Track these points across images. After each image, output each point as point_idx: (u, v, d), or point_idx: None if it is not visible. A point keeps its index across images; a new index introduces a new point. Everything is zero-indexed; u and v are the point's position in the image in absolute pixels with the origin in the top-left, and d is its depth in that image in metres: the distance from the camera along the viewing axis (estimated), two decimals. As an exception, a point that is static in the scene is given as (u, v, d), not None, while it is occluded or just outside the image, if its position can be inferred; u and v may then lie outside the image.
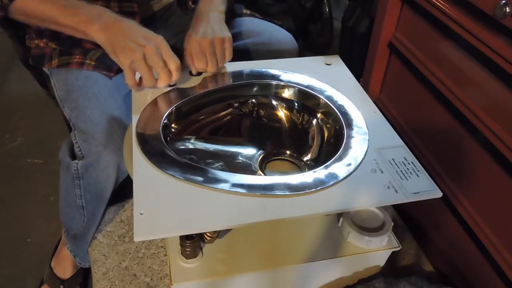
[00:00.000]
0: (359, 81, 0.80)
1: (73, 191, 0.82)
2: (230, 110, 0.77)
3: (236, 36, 0.92)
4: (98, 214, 0.87)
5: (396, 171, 0.60)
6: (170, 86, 0.72)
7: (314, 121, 0.75)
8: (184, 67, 0.74)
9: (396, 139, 0.67)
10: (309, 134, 0.75)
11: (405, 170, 0.61)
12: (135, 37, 0.67)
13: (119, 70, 0.82)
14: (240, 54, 0.92)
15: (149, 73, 0.67)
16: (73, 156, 0.81)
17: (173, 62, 0.68)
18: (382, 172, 0.60)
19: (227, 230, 0.66)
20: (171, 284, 0.59)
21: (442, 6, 0.71)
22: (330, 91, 0.75)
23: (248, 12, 1.01)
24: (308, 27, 1.84)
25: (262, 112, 0.78)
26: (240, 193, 0.55)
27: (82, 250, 0.90)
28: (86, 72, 0.81)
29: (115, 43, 0.67)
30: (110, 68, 0.82)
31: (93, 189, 0.81)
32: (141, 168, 0.57)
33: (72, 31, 0.72)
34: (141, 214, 0.51)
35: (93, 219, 0.86)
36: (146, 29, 0.70)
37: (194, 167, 0.58)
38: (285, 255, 0.64)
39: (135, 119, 0.65)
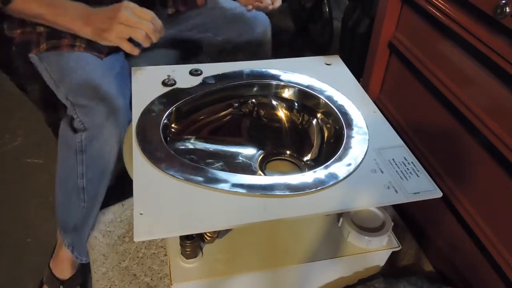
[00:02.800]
0: (359, 81, 0.80)
1: (74, 172, 0.84)
2: (230, 110, 0.77)
3: (216, 18, 1.01)
4: (99, 197, 0.88)
5: (396, 171, 0.60)
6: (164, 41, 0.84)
7: (314, 121, 0.75)
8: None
9: (396, 139, 0.67)
10: (309, 134, 0.75)
11: (405, 170, 0.61)
12: (107, 17, 0.76)
13: (109, 52, 0.88)
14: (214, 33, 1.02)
15: (136, 32, 0.75)
16: (74, 130, 0.84)
17: (146, 13, 0.76)
18: (382, 172, 0.60)
19: (227, 230, 0.66)
20: (171, 284, 0.59)
21: (442, 6, 0.71)
22: (330, 91, 0.75)
23: None
24: (308, 27, 1.84)
25: (262, 112, 0.78)
26: (240, 193, 0.55)
27: (81, 243, 0.91)
28: (77, 53, 0.85)
29: (97, 31, 0.77)
30: (100, 50, 0.86)
31: (96, 163, 0.84)
32: (141, 168, 0.57)
33: (61, 28, 0.80)
34: (141, 214, 0.51)
35: (93, 204, 0.88)
36: (109, 6, 0.78)
37: (194, 167, 0.58)
38: (285, 255, 0.64)
39: (135, 119, 0.65)
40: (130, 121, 0.80)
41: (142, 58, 0.94)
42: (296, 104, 0.77)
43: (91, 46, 0.85)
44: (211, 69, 0.78)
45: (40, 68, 0.87)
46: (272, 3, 0.99)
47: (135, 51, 0.79)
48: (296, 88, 0.76)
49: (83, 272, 0.99)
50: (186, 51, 1.09)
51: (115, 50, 0.89)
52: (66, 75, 0.84)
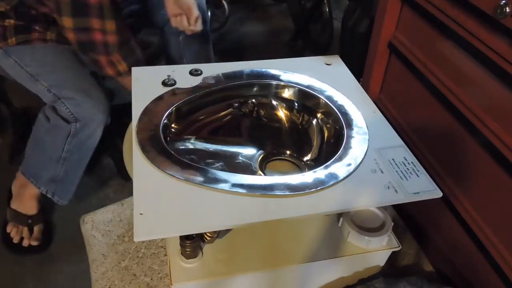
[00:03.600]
0: (359, 81, 0.80)
1: (57, 148, 0.93)
2: (230, 110, 0.77)
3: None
4: (83, 162, 0.99)
5: (396, 171, 0.60)
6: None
7: (314, 121, 0.75)
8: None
9: (396, 139, 0.67)
10: (309, 134, 0.75)
11: (405, 170, 0.61)
12: None
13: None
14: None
15: None
16: (65, 121, 0.91)
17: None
18: (382, 172, 0.60)
19: (227, 230, 0.66)
20: (171, 284, 0.59)
21: (442, 6, 0.71)
22: (330, 91, 0.75)
23: None
24: (308, 27, 1.84)
25: (262, 112, 0.78)
26: (240, 193, 0.55)
27: (64, 190, 1.00)
28: (52, 46, 0.90)
29: None
30: (69, 41, 0.90)
31: (83, 144, 0.94)
32: (141, 168, 0.57)
33: None
34: (141, 214, 0.51)
35: (77, 166, 0.98)
36: None
37: (194, 167, 0.58)
38: (285, 255, 0.64)
39: (135, 119, 0.65)
40: (113, 105, 0.93)
41: None
42: (296, 104, 0.77)
43: (62, 37, 0.89)
44: (211, 69, 0.78)
45: (5, 61, 0.89)
46: (193, 25, 1.00)
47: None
48: (296, 88, 0.76)
49: (46, 208, 1.07)
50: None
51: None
52: (45, 68, 0.89)
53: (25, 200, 1.04)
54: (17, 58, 0.89)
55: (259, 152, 0.74)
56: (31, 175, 0.99)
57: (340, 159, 0.61)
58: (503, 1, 0.57)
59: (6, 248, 1.03)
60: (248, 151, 0.74)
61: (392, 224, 0.66)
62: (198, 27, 0.98)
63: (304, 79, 0.77)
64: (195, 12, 0.95)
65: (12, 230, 1.03)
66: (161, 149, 0.60)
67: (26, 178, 1.01)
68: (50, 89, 0.89)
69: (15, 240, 1.02)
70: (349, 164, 0.60)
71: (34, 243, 1.03)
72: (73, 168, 0.98)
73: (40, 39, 0.88)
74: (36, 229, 1.04)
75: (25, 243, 1.02)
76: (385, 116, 0.71)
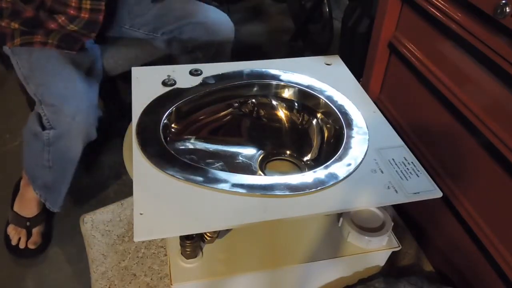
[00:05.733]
0: (359, 81, 0.80)
1: (41, 155, 0.90)
2: (230, 110, 0.77)
3: (175, 18, 1.05)
4: (68, 174, 0.95)
5: (396, 171, 0.60)
6: None
7: (314, 121, 0.75)
8: None
9: (396, 139, 0.67)
10: (309, 134, 0.75)
11: (405, 170, 0.61)
12: None
13: (80, 49, 0.92)
14: (179, 33, 1.05)
15: None
16: (43, 127, 0.89)
17: None
18: (382, 172, 0.60)
19: (227, 230, 0.66)
20: (171, 284, 0.59)
21: (442, 6, 0.71)
22: (330, 91, 0.75)
23: None
24: (308, 27, 1.84)
25: (262, 112, 0.78)
26: (240, 193, 0.55)
27: (54, 199, 0.98)
28: (48, 51, 0.89)
29: None
30: (72, 47, 0.90)
31: (63, 155, 0.90)
32: (141, 168, 0.57)
33: None
34: (141, 214, 0.51)
35: (62, 177, 0.95)
36: None
37: (194, 167, 0.58)
38: (285, 255, 0.64)
39: (135, 119, 0.65)
40: (99, 117, 0.89)
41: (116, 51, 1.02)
42: (296, 104, 0.77)
43: (63, 43, 0.89)
44: (211, 69, 0.78)
45: (12, 60, 0.91)
46: None
47: None
48: (296, 88, 0.76)
49: (46, 209, 1.05)
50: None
51: (86, 45, 0.95)
52: (35, 72, 0.88)
53: (25, 202, 1.05)
54: (18, 58, 0.90)
55: (259, 152, 0.74)
56: (30, 176, 0.99)
57: (340, 159, 0.61)
58: (503, 1, 0.57)
59: (6, 248, 1.04)
60: (248, 151, 0.74)
61: (392, 224, 0.66)
62: None
63: (304, 79, 0.77)
64: None
65: (11, 232, 1.04)
66: (161, 149, 0.60)
67: (26, 176, 1.01)
68: (36, 93, 0.88)
69: (13, 242, 1.03)
70: (349, 164, 0.60)
71: (31, 246, 1.03)
72: (58, 179, 0.96)
73: (41, 43, 0.88)
74: (34, 231, 1.04)
75: (21, 245, 1.02)
76: (385, 116, 0.71)
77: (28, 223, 1.04)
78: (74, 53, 0.91)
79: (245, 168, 0.70)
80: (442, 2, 0.71)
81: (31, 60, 0.89)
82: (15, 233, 1.03)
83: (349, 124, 0.68)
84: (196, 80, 0.75)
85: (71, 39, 0.90)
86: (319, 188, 0.56)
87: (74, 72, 0.90)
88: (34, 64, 0.88)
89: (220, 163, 0.69)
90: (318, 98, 0.74)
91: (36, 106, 0.88)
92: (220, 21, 1.08)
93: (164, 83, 0.73)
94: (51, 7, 0.92)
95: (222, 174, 0.57)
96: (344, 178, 0.58)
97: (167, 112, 0.67)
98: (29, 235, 1.04)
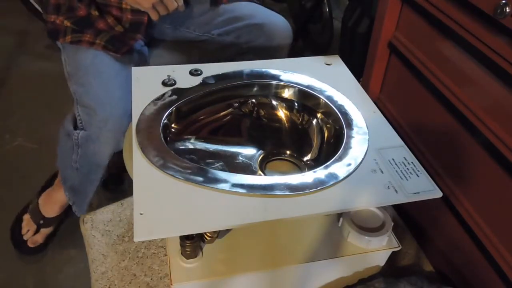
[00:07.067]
0: (359, 81, 0.80)
1: (70, 155, 0.90)
2: (230, 110, 0.77)
3: (232, 20, 1.02)
4: (94, 178, 0.94)
5: (396, 171, 0.60)
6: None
7: (314, 121, 0.75)
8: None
9: (396, 139, 0.67)
10: (309, 134, 0.75)
11: (405, 170, 0.61)
12: None
13: (126, 52, 0.91)
14: (236, 36, 1.03)
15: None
16: (76, 127, 0.89)
17: None
18: (382, 172, 0.60)
19: (227, 230, 0.66)
20: (171, 284, 0.59)
21: (442, 6, 0.71)
22: (330, 91, 0.75)
23: None
24: (308, 27, 1.84)
25: (262, 112, 0.78)
26: (240, 193, 0.55)
27: (81, 202, 0.98)
28: (94, 51, 0.88)
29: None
30: (118, 49, 0.89)
31: (90, 159, 0.89)
32: (141, 168, 0.57)
33: None
34: (141, 214, 0.51)
35: (88, 181, 0.94)
36: None
37: (194, 167, 0.58)
38: (285, 255, 0.64)
39: (135, 119, 0.65)
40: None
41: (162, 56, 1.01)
42: (296, 104, 0.77)
43: (109, 45, 0.88)
44: (211, 69, 0.78)
45: (62, 56, 0.93)
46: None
47: (156, 17, 0.85)
48: (296, 88, 0.76)
49: (62, 214, 1.06)
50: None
51: (135, 47, 0.94)
52: (78, 71, 0.88)
53: (51, 201, 1.05)
54: (66, 55, 0.91)
55: (259, 152, 0.74)
56: (62, 176, 0.98)
57: (340, 159, 0.61)
58: (503, 1, 0.57)
59: (10, 234, 1.05)
60: (248, 151, 0.74)
61: (392, 224, 0.66)
62: (180, 1, 0.88)
63: (304, 79, 0.77)
64: None
65: (25, 220, 1.05)
66: (161, 149, 0.60)
67: (60, 178, 1.01)
68: (75, 92, 0.88)
69: (23, 231, 1.04)
70: (349, 164, 0.60)
71: (30, 244, 1.03)
72: (84, 182, 0.95)
73: (89, 42, 0.88)
74: (42, 231, 1.05)
75: (26, 237, 1.03)
76: (385, 116, 0.71)
77: (41, 222, 1.04)
78: (118, 56, 0.89)
79: (245, 168, 0.70)
80: (442, 2, 0.71)
81: (76, 59, 0.89)
82: (26, 224, 1.04)
83: (349, 124, 0.68)
84: (196, 80, 0.75)
85: (118, 41, 0.89)
86: (319, 188, 0.56)
87: (115, 76, 0.88)
88: (78, 62, 0.88)
89: (220, 163, 0.69)
90: (318, 98, 0.74)
91: (74, 105, 0.89)
92: (279, 24, 1.05)
93: (164, 83, 0.73)
94: (99, 5, 0.91)
95: (222, 174, 0.57)
96: (344, 178, 0.58)
97: (167, 112, 0.67)
98: (36, 232, 1.04)
